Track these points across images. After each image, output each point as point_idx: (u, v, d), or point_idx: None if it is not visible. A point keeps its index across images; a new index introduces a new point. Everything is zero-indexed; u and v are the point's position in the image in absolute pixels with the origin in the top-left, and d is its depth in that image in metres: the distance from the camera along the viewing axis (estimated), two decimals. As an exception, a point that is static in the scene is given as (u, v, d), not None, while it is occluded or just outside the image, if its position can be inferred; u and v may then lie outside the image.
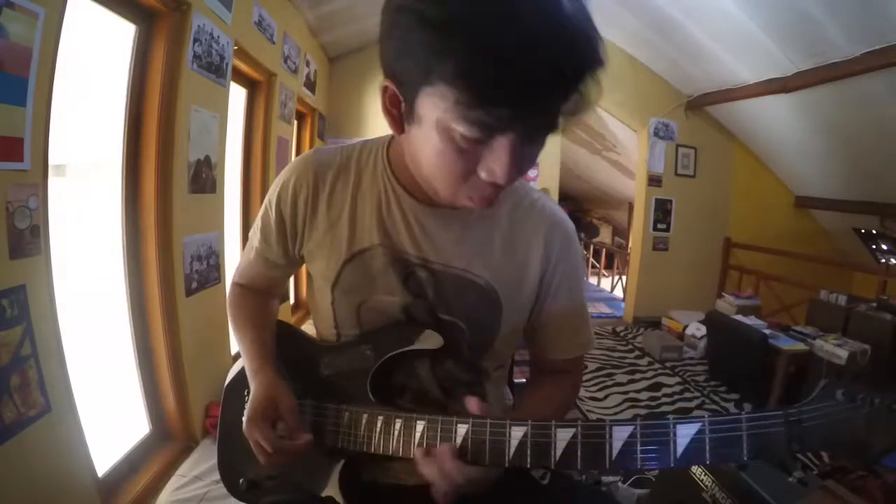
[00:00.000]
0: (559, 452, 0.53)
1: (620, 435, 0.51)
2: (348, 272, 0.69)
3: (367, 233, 0.68)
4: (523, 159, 0.51)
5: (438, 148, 0.50)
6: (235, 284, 0.84)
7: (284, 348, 0.76)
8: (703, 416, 0.50)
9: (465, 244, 0.68)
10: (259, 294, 0.83)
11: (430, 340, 0.67)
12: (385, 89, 0.53)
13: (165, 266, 1.76)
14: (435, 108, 0.48)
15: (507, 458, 0.55)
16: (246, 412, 0.67)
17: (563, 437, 0.53)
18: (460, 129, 0.47)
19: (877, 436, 0.45)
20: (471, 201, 0.55)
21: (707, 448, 0.49)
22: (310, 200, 0.70)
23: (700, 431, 0.49)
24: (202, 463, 1.79)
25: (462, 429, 0.58)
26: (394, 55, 0.50)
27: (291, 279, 2.98)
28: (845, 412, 0.46)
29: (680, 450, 0.50)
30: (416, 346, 0.67)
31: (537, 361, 0.79)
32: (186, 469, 1.77)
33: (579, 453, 0.53)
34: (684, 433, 0.50)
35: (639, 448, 0.51)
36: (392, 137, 0.69)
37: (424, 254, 0.67)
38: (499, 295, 0.68)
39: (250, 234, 0.79)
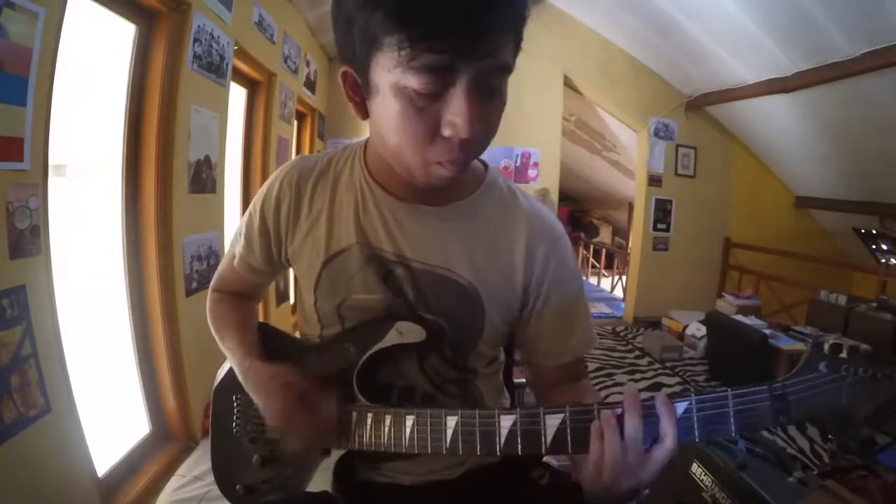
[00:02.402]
0: (549, 438, 0.54)
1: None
2: (328, 273, 0.69)
3: (344, 233, 0.68)
4: (483, 111, 0.51)
5: (398, 112, 0.51)
6: (214, 291, 0.83)
7: (268, 350, 0.76)
8: (690, 395, 0.51)
9: (442, 240, 0.67)
10: (238, 297, 0.82)
11: (412, 333, 0.66)
12: (344, 74, 0.56)
13: (165, 266, 1.76)
14: (386, 71, 0.49)
15: (498, 447, 0.56)
16: (270, 413, 0.67)
17: (552, 423, 0.54)
18: (413, 83, 0.48)
19: (861, 404, 0.46)
20: (441, 167, 0.54)
21: (696, 425, 0.50)
22: (292, 206, 0.70)
23: (688, 410, 0.50)
24: (202, 463, 1.79)
25: (451, 421, 0.58)
26: (341, 34, 0.52)
27: (290, 280, 2.97)
28: (829, 383, 0.47)
29: None
30: (399, 340, 0.66)
31: (536, 377, 0.77)
32: (186, 469, 1.77)
33: (569, 438, 0.53)
34: None
35: None
36: (368, 140, 0.70)
37: (401, 250, 0.67)
38: (481, 296, 0.67)
39: (232, 240, 0.79)
